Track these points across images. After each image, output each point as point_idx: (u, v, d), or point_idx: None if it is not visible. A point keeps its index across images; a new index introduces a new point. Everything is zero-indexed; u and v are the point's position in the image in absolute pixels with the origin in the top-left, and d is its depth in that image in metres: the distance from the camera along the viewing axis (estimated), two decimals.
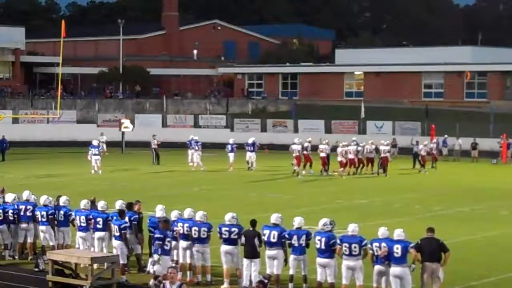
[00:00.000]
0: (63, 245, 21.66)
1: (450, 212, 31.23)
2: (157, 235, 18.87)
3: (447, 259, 17.61)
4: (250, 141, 46.43)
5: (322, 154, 43.76)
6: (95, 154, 44.16)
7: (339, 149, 43.33)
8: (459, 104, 78.41)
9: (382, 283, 17.65)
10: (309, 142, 44.63)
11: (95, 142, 45.29)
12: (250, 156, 46.16)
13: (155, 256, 18.64)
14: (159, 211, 20.43)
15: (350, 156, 43.22)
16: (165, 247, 18.74)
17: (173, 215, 20.18)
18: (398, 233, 17.49)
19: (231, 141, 47.08)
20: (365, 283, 17.95)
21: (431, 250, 17.36)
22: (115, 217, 20.46)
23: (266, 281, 15.66)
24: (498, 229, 27.25)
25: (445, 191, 38.10)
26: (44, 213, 21.73)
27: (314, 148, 45.14)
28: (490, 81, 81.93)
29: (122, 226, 20.10)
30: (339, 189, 38.38)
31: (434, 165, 47.21)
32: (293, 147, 43.85)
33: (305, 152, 43.61)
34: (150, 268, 18.53)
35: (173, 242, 19.46)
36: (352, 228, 17.94)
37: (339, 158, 42.95)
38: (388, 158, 44.01)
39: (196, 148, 46.85)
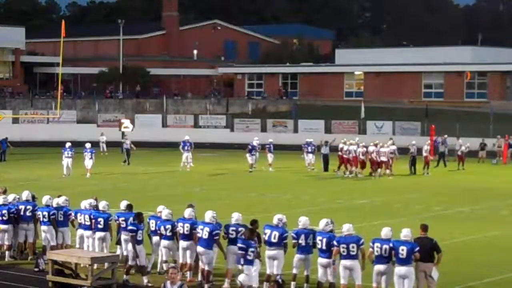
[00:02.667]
0: (62, 245, 21.66)
1: (450, 212, 31.22)
2: (239, 245, 18.07)
3: (440, 259, 17.64)
4: (254, 142, 46.13)
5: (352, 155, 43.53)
6: (89, 158, 42.48)
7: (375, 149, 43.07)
8: (459, 104, 78.37)
9: (382, 283, 17.65)
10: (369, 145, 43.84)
11: (68, 145, 43.06)
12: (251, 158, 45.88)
13: (239, 266, 18.14)
14: (159, 211, 20.54)
15: (383, 158, 42.94)
16: (248, 257, 17.87)
17: (164, 214, 20.18)
18: (404, 234, 17.42)
19: (269, 140, 46.80)
20: (365, 283, 17.97)
21: (424, 250, 17.37)
22: (131, 219, 20.05)
23: (281, 281, 15.64)
24: (498, 229, 27.24)
25: (445, 191, 38.08)
26: (46, 213, 21.71)
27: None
28: (490, 81, 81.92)
29: (129, 228, 19.84)
30: (339, 189, 38.38)
31: (462, 167, 47.43)
32: (350, 147, 43.49)
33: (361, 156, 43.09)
34: (238, 279, 17.79)
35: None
36: (347, 228, 17.90)
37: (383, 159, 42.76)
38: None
39: (188, 148, 46.29)
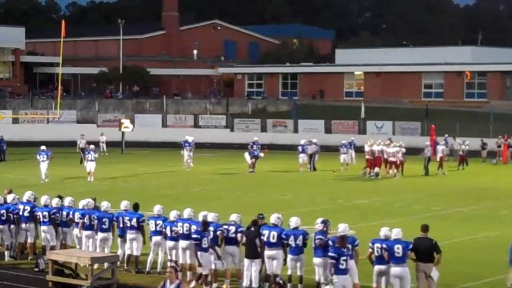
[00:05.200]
0: (65, 245, 21.68)
1: (450, 212, 31.22)
2: (330, 254, 17.14)
3: (439, 259, 17.64)
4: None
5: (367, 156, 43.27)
6: (90, 161, 40.65)
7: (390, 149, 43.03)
8: (459, 104, 78.41)
9: (382, 283, 17.64)
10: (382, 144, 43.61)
11: (42, 148, 40.91)
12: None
13: (329, 276, 17.48)
14: (157, 211, 20.57)
15: (392, 158, 42.82)
16: (340, 266, 16.94)
17: (172, 215, 20.18)
18: (396, 232, 17.50)
19: (302, 142, 46.75)
20: (365, 283, 17.96)
21: (425, 250, 17.38)
22: (195, 226, 19.49)
23: (281, 282, 15.55)
24: (498, 229, 27.23)
25: (445, 191, 38.08)
26: (46, 213, 21.73)
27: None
28: (490, 81, 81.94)
29: (193, 236, 19.11)
30: (339, 189, 38.38)
31: (463, 167, 47.52)
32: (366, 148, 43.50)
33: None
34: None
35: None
36: (342, 228, 17.84)
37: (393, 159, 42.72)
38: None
39: (189, 148, 46.24)
